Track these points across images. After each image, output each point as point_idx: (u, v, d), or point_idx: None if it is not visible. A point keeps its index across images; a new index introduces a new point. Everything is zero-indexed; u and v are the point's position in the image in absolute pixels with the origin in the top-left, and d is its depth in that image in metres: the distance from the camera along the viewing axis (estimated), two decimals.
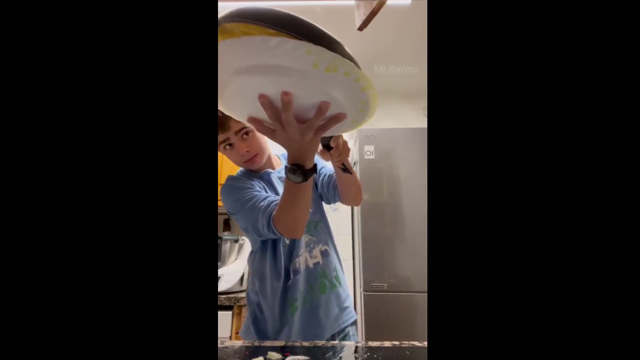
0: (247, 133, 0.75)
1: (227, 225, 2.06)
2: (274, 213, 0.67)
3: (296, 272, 0.79)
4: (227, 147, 0.75)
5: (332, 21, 1.75)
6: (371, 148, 1.86)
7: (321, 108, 0.45)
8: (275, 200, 0.69)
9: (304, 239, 0.82)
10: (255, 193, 0.74)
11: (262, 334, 0.79)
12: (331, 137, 0.62)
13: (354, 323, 0.86)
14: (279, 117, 0.46)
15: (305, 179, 0.56)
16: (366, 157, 1.85)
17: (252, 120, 0.50)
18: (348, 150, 0.68)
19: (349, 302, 0.86)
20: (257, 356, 0.52)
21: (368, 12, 0.61)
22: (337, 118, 0.48)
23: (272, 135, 0.50)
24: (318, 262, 0.82)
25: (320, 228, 0.86)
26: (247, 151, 0.76)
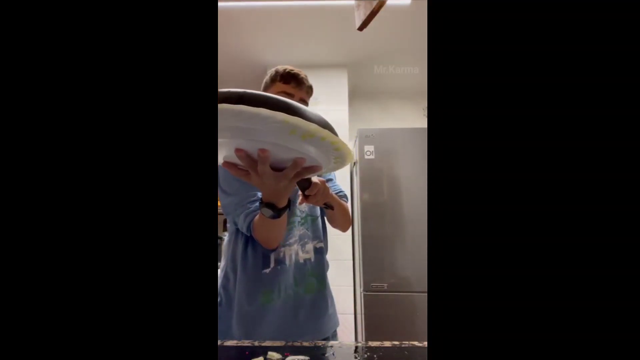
0: None
1: (227, 225, 2.06)
2: (254, 221, 0.69)
3: (279, 261, 0.75)
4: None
5: (332, 21, 1.75)
6: (371, 148, 1.86)
7: (297, 162, 0.47)
8: None
9: (298, 232, 0.79)
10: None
11: (225, 328, 0.74)
12: (309, 181, 0.64)
13: (335, 332, 0.83)
14: (255, 168, 0.47)
15: (279, 215, 0.59)
16: (366, 157, 1.85)
17: (227, 164, 0.51)
18: (327, 194, 0.69)
19: (334, 309, 0.84)
20: (257, 356, 0.52)
21: (368, 12, 0.61)
22: (311, 169, 0.50)
23: (247, 177, 0.51)
24: (309, 259, 0.79)
25: (317, 224, 0.83)
26: None
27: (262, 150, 0.43)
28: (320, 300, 0.79)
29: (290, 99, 0.76)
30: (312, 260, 0.80)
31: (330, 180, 0.88)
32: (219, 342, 0.61)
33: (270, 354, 0.52)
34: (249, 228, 0.71)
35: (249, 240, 0.76)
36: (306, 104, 0.81)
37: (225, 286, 0.78)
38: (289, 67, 0.80)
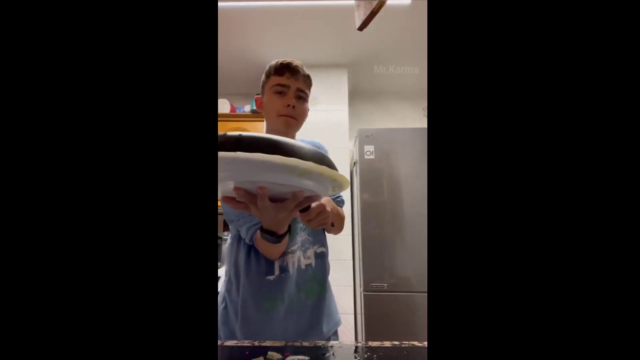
0: (302, 98, 0.79)
1: (227, 225, 2.06)
2: (256, 234, 0.70)
3: (283, 269, 0.75)
4: (278, 92, 0.77)
5: (332, 21, 1.75)
6: (371, 148, 1.86)
7: (296, 195, 0.47)
8: None
9: (300, 237, 0.79)
10: None
11: (229, 332, 0.75)
12: (308, 207, 0.64)
13: (336, 332, 0.84)
14: (255, 202, 0.48)
15: (279, 241, 0.60)
16: (366, 157, 1.85)
17: (226, 199, 0.51)
18: (326, 218, 0.68)
19: (335, 308, 0.84)
20: (257, 356, 0.52)
21: (368, 12, 0.61)
22: (311, 199, 0.51)
23: (246, 209, 0.51)
24: (310, 264, 0.79)
25: (318, 229, 0.82)
26: (293, 108, 0.76)
27: (261, 188, 0.44)
28: (321, 303, 0.80)
29: (287, 90, 0.76)
30: (313, 265, 0.79)
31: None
32: (219, 342, 0.61)
33: (270, 354, 0.52)
34: (251, 239, 0.72)
35: (252, 246, 0.76)
36: (306, 94, 0.80)
37: (229, 290, 0.79)
38: (281, 59, 0.78)
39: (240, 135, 0.39)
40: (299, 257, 0.78)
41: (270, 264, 0.75)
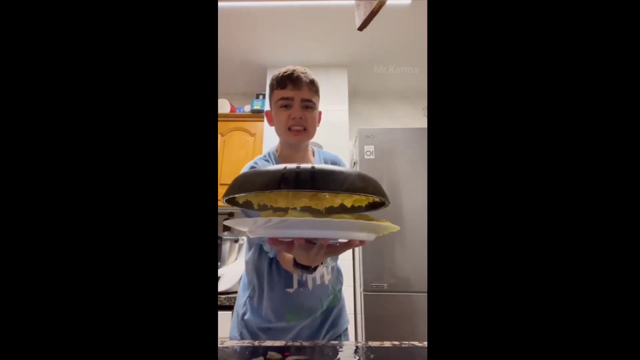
0: (309, 107, 0.75)
1: (227, 226, 2.06)
2: (279, 254, 0.69)
3: (301, 283, 0.76)
4: (284, 106, 0.74)
5: (332, 21, 1.75)
6: (371, 148, 1.85)
7: (350, 244, 0.47)
8: None
9: None
10: None
11: (252, 334, 0.77)
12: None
13: (347, 329, 0.85)
14: (290, 246, 0.47)
15: (313, 272, 0.59)
16: (366, 157, 1.85)
17: (272, 241, 0.50)
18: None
19: (345, 309, 0.86)
20: (257, 356, 0.52)
21: (368, 12, 0.61)
22: (349, 244, 0.48)
23: (288, 249, 0.50)
24: (331, 279, 0.81)
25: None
26: (300, 118, 0.74)
27: (298, 240, 0.44)
28: (336, 310, 0.82)
29: (291, 102, 0.74)
30: (332, 278, 0.81)
31: None
32: (219, 342, 0.61)
33: (270, 354, 0.52)
34: (275, 253, 0.72)
35: (274, 258, 0.76)
36: (312, 103, 0.76)
37: (251, 297, 0.80)
38: (283, 70, 0.75)
39: (313, 167, 0.37)
40: (322, 273, 0.78)
41: (289, 277, 0.76)
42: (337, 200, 0.43)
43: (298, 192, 0.41)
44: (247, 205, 0.49)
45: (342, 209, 0.48)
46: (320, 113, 0.82)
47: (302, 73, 0.75)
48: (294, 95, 0.74)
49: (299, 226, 0.37)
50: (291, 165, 0.38)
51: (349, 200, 0.44)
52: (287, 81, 0.74)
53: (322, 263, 0.60)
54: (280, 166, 0.38)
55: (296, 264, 0.57)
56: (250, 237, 0.47)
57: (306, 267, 0.57)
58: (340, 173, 0.38)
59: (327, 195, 0.42)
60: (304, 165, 0.38)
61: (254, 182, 0.38)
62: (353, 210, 0.51)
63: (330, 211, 0.46)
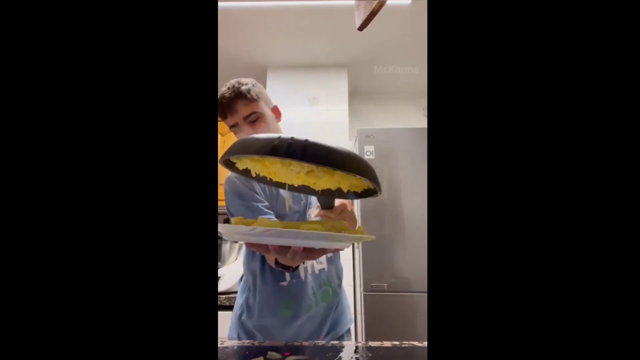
0: (255, 120, 0.74)
1: None
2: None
3: (294, 275, 0.76)
4: (236, 133, 0.76)
5: (332, 21, 1.75)
6: (371, 148, 1.85)
7: (325, 251, 0.48)
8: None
9: None
10: (260, 206, 0.72)
11: (248, 334, 0.77)
12: (332, 201, 0.60)
13: (349, 329, 0.85)
14: (281, 252, 0.47)
15: (293, 271, 0.61)
16: (366, 157, 1.85)
17: (249, 244, 0.50)
18: (348, 216, 0.63)
19: (348, 309, 0.85)
20: (257, 356, 0.52)
21: (368, 12, 0.61)
22: (325, 249, 0.49)
23: (267, 252, 0.49)
24: (323, 269, 0.80)
25: None
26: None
27: (272, 245, 0.44)
28: (336, 306, 0.81)
29: (237, 128, 0.73)
30: (326, 269, 0.80)
31: None
32: (219, 342, 0.61)
33: (270, 354, 0.52)
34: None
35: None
36: (257, 113, 0.74)
37: (247, 296, 0.80)
38: (219, 95, 0.73)
39: (306, 140, 0.37)
40: (312, 263, 0.78)
41: (281, 271, 0.75)
42: (334, 182, 0.43)
43: (295, 166, 0.41)
44: (246, 173, 0.48)
45: (339, 194, 0.49)
46: (275, 108, 0.81)
47: (230, 92, 0.73)
48: (236, 120, 0.73)
49: (267, 234, 0.38)
50: (285, 135, 0.38)
51: (345, 184, 0.44)
52: (223, 110, 0.73)
53: (303, 262, 0.61)
54: (276, 135, 0.39)
55: (277, 263, 0.59)
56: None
57: (287, 267, 0.58)
58: (334, 150, 0.38)
59: (322, 174, 0.41)
60: (298, 137, 0.38)
61: (250, 146, 0.39)
62: (349, 196, 0.51)
63: (326, 193, 0.47)
